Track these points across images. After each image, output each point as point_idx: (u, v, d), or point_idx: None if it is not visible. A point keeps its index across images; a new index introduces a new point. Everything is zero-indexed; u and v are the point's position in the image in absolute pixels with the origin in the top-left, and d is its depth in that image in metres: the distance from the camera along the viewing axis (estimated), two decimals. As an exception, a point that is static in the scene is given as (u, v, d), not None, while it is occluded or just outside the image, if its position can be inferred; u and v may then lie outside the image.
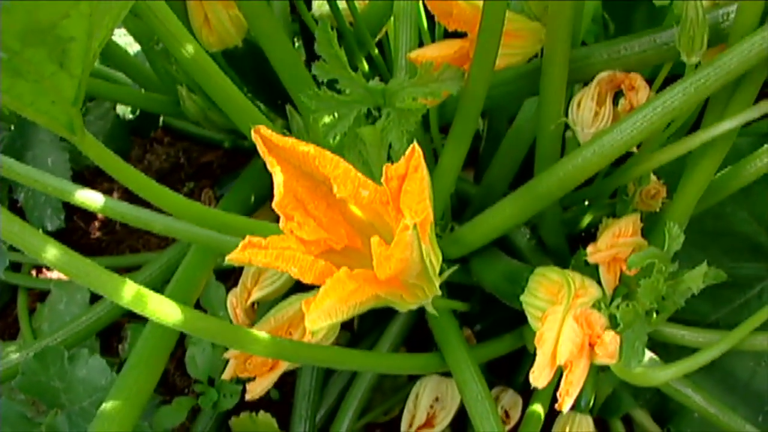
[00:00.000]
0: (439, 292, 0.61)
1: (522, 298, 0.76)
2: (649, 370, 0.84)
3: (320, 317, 0.47)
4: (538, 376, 0.63)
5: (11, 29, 0.44)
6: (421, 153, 0.53)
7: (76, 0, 0.43)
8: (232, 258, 0.51)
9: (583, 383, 0.67)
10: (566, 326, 0.67)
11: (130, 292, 0.58)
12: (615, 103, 0.74)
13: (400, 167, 0.53)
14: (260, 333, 0.65)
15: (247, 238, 0.51)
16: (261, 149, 0.52)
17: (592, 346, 0.69)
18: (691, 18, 0.67)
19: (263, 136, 0.52)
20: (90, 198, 0.70)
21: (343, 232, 0.58)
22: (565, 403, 0.63)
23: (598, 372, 0.98)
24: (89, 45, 0.49)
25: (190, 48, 0.75)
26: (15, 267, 1.25)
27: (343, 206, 0.56)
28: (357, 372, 1.00)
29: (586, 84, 0.74)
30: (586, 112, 0.74)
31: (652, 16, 1.10)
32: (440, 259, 0.61)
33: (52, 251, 0.59)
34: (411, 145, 0.54)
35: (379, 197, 0.54)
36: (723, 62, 0.65)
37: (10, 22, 0.43)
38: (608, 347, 0.67)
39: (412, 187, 0.53)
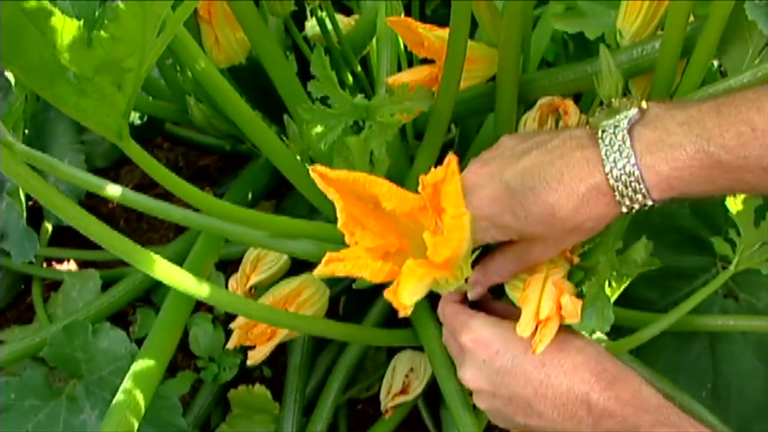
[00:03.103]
0: (471, 272, 0.77)
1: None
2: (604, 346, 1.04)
3: (409, 296, 0.63)
4: (525, 328, 0.78)
5: (89, 61, 0.61)
6: (456, 160, 0.68)
7: (140, 44, 0.62)
8: (319, 272, 0.66)
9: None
10: (547, 288, 0.82)
11: (161, 266, 0.76)
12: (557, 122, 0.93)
13: (438, 174, 0.68)
14: (264, 304, 0.83)
15: (328, 254, 0.67)
16: (320, 183, 0.68)
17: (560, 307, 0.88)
18: (605, 72, 0.83)
19: (320, 172, 0.68)
20: (114, 190, 0.82)
21: (394, 238, 0.73)
22: (538, 349, 0.78)
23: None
24: (140, 72, 0.67)
25: (203, 64, 0.92)
26: (27, 261, 1.42)
27: (389, 217, 0.71)
28: (342, 351, 1.18)
29: (531, 106, 0.94)
30: (529, 131, 0.91)
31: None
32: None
33: (98, 228, 0.75)
34: (448, 156, 0.68)
35: (417, 204, 0.70)
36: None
37: (90, 56, 0.61)
38: (572, 308, 0.82)
39: (451, 188, 0.68)
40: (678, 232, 1.31)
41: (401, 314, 0.65)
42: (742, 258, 1.07)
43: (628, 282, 0.99)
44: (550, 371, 0.78)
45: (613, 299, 0.99)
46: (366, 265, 0.66)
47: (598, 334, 1.06)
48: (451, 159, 0.68)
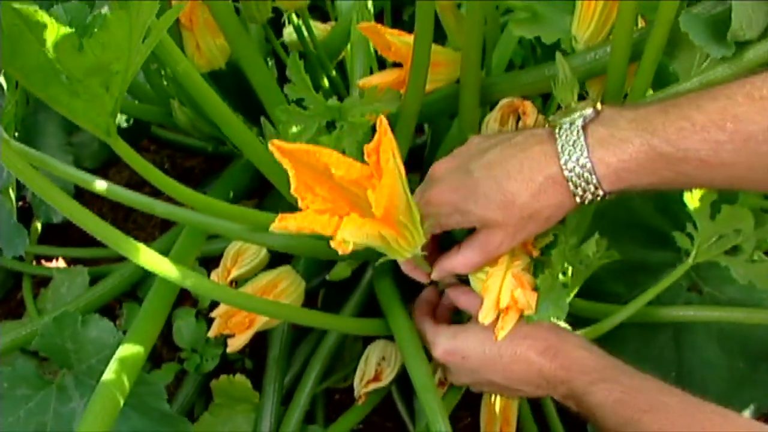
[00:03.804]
0: (425, 241, 0.82)
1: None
2: None
3: (348, 234, 0.70)
4: (486, 316, 0.88)
5: (82, 65, 0.68)
6: (386, 121, 0.74)
7: (126, 50, 0.69)
8: (275, 227, 0.73)
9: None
10: (507, 280, 0.90)
11: (145, 254, 0.82)
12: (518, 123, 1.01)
13: (373, 141, 0.74)
14: (245, 292, 0.90)
15: (281, 214, 0.73)
16: (276, 154, 0.74)
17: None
18: (562, 78, 0.90)
19: (276, 145, 0.74)
20: (102, 185, 0.90)
21: (344, 204, 0.78)
22: (500, 335, 0.89)
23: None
24: (126, 75, 0.74)
25: (185, 69, 0.98)
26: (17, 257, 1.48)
27: (339, 186, 0.77)
28: (319, 342, 1.25)
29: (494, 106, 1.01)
30: (491, 131, 0.98)
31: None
32: (418, 216, 0.82)
33: (87, 218, 0.81)
34: (378, 117, 0.74)
35: (365, 173, 0.75)
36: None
37: (81, 60, 0.68)
38: (524, 300, 0.91)
39: (385, 145, 0.74)
40: (643, 229, 1.37)
41: (340, 252, 0.71)
42: (699, 251, 1.14)
43: (588, 274, 1.07)
44: (508, 360, 0.92)
45: (574, 291, 1.07)
46: (316, 220, 0.73)
47: (563, 324, 1.14)
48: (382, 119, 0.75)
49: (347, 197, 0.79)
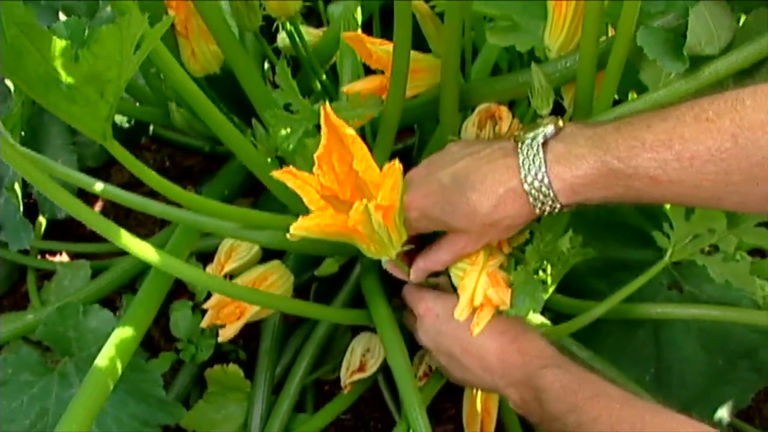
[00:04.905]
0: (394, 255, 0.91)
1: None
2: (543, 329, 1.15)
3: (301, 229, 0.77)
4: (461, 313, 0.95)
5: (78, 73, 0.76)
6: (400, 166, 0.83)
7: (118, 60, 0.76)
8: (276, 174, 0.80)
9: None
10: (482, 278, 0.96)
11: (142, 247, 0.90)
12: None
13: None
14: (237, 283, 0.97)
15: (285, 168, 0.82)
16: (323, 118, 0.82)
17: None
18: (537, 87, 0.97)
19: (327, 111, 0.82)
20: (99, 186, 0.96)
21: (350, 190, 0.86)
22: (475, 331, 0.95)
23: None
24: (119, 83, 0.82)
25: (180, 74, 1.01)
26: (23, 251, 1.56)
27: (355, 175, 0.83)
28: (309, 335, 1.32)
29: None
30: (470, 134, 1.04)
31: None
32: (402, 235, 0.91)
33: (88, 213, 0.89)
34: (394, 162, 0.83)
35: (377, 180, 0.83)
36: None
37: (78, 69, 0.75)
38: (497, 297, 0.96)
39: (386, 185, 0.83)
40: (625, 228, 1.43)
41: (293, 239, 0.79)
42: (675, 249, 1.19)
43: (565, 271, 1.13)
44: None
45: (553, 287, 1.13)
46: (308, 191, 0.80)
47: (542, 319, 1.21)
48: (395, 163, 0.83)
49: (356, 186, 0.86)
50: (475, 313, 0.97)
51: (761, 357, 1.38)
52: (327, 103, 0.93)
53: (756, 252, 1.32)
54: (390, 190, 0.83)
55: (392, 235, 0.88)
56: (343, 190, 0.87)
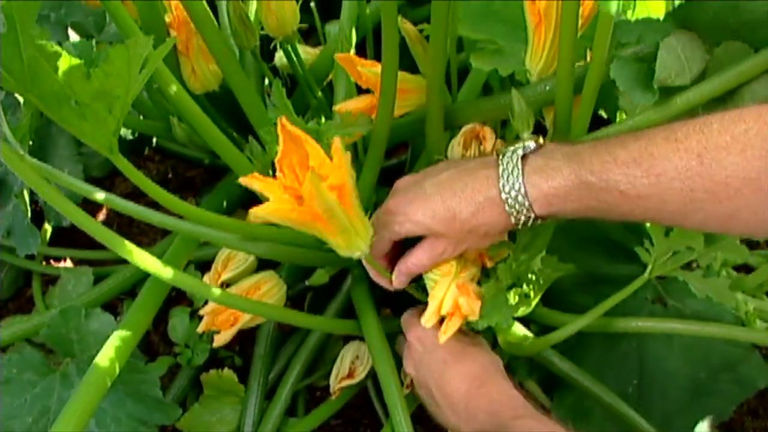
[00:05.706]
0: (368, 251, 0.92)
1: (424, 274, 1.07)
2: (526, 341, 1.22)
3: (262, 213, 0.81)
4: (428, 320, 1.01)
5: (89, 91, 0.83)
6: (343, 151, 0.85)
7: (126, 78, 0.84)
8: (242, 181, 0.83)
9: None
10: (451, 289, 1.02)
11: (141, 256, 0.97)
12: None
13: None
14: (230, 291, 1.04)
15: (252, 174, 0.84)
16: (279, 127, 0.85)
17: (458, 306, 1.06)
18: (517, 111, 1.02)
19: (282, 122, 0.85)
20: (101, 196, 0.98)
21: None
22: (442, 338, 1.01)
23: (494, 347, 1.27)
24: (126, 100, 0.89)
25: (179, 92, 1.09)
26: (28, 257, 1.63)
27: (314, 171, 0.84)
28: (302, 343, 1.39)
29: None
30: (456, 154, 1.09)
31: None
32: (367, 226, 0.91)
33: (90, 223, 0.95)
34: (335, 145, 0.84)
35: (329, 171, 0.84)
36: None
37: (89, 86, 0.83)
38: (467, 307, 1.02)
39: (334, 165, 0.85)
40: (610, 243, 1.47)
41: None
42: (656, 265, 1.24)
43: (546, 287, 1.18)
44: (446, 369, 1.04)
45: (535, 301, 1.19)
46: (273, 190, 0.83)
47: (525, 331, 1.26)
48: (337, 142, 0.85)
49: None
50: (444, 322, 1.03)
51: (743, 370, 1.41)
52: (314, 120, 1.01)
53: (743, 268, 1.39)
54: (338, 169, 0.85)
55: (355, 222, 0.90)
56: (303, 189, 0.87)
